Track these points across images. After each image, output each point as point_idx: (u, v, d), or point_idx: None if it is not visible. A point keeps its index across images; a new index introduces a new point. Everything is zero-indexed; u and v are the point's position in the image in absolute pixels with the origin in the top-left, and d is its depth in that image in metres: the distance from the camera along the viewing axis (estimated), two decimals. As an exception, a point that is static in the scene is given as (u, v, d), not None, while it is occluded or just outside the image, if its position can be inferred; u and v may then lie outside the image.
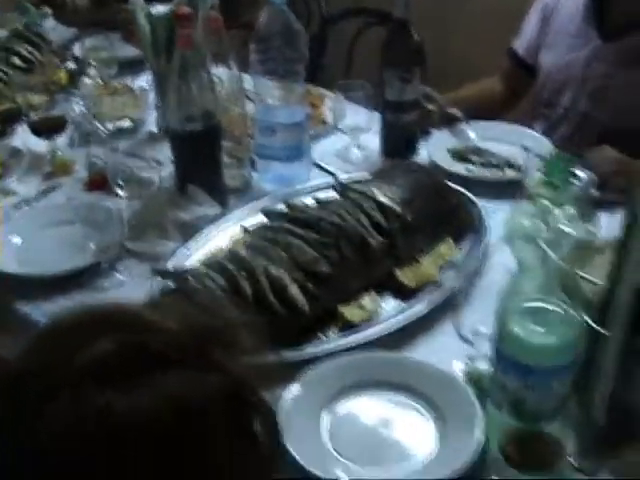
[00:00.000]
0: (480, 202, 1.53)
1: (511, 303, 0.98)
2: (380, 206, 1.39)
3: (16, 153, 1.73)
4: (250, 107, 1.63)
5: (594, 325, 1.01)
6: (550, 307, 0.98)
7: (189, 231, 1.47)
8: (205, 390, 0.56)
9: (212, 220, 1.49)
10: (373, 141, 1.75)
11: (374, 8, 2.44)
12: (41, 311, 1.33)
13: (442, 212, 1.43)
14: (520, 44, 1.96)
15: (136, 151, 1.67)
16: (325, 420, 1.07)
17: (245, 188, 1.66)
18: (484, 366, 1.09)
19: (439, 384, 1.11)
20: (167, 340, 0.57)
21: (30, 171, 1.69)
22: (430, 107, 1.75)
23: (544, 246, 0.88)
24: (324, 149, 1.79)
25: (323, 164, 1.72)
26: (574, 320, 0.98)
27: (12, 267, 1.39)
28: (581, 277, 1.13)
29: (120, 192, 1.55)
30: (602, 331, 1.00)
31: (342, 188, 1.44)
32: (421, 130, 1.74)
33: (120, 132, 1.77)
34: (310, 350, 1.18)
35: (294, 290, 1.24)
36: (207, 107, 1.45)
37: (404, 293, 1.33)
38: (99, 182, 1.61)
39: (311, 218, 1.34)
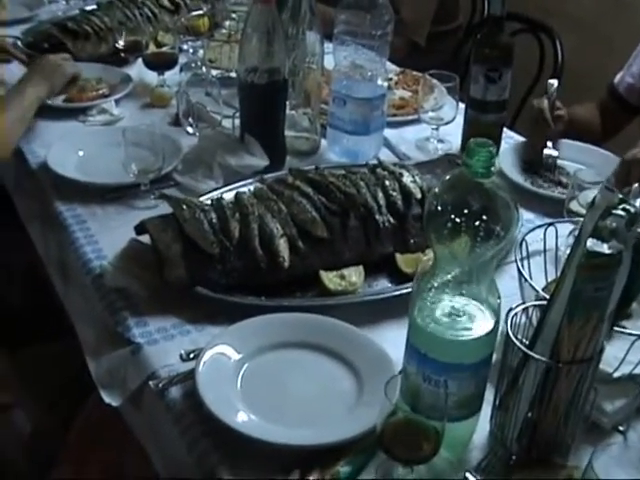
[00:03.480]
0: (529, 215, 1.48)
1: (427, 286, 0.96)
2: (403, 189, 1.38)
3: (126, 80, 1.90)
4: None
5: (516, 341, 0.96)
6: (466, 305, 0.95)
7: (232, 176, 1.55)
8: None
9: (258, 172, 1.55)
10: (455, 136, 1.74)
11: (524, 15, 2.38)
12: (73, 213, 1.47)
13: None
14: (620, 79, 1.84)
15: (226, 99, 1.77)
16: (245, 371, 1.10)
17: (311, 153, 1.70)
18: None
19: (366, 352, 1.12)
20: None
21: (131, 97, 1.85)
22: (560, 113, 1.66)
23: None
24: (407, 136, 1.80)
25: (397, 149, 1.73)
26: (488, 326, 0.95)
27: (67, 172, 1.54)
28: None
29: (189, 129, 1.67)
30: (524, 349, 0.96)
31: (374, 166, 1.45)
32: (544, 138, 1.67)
33: (224, 80, 1.87)
34: (261, 301, 1.22)
35: (281, 244, 1.27)
36: (275, 64, 1.51)
37: (399, 278, 1.31)
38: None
39: (323, 182, 1.36)
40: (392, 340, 1.12)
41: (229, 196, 1.38)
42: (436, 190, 0.91)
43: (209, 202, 1.35)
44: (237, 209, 1.30)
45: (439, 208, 0.90)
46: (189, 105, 1.67)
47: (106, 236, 1.39)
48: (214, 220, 1.28)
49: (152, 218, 1.30)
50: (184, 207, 1.29)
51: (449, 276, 0.94)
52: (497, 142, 1.67)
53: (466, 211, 0.89)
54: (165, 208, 1.38)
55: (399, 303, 1.19)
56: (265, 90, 1.53)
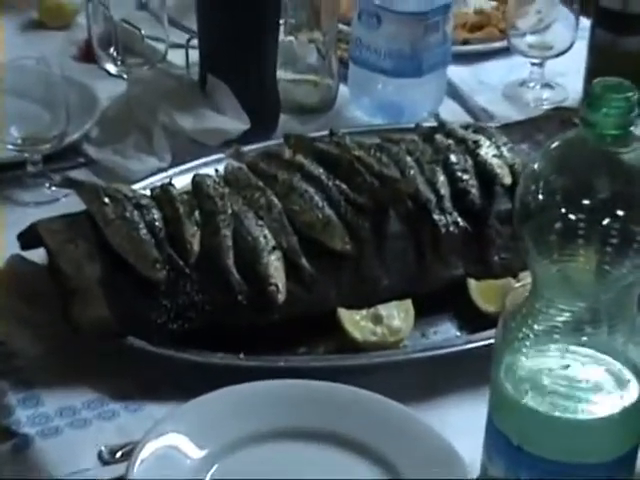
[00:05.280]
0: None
1: (523, 331, 0.99)
2: (481, 168, 1.44)
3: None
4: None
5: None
6: (591, 363, 0.99)
7: (188, 148, 1.62)
8: None
9: (231, 141, 1.61)
10: (573, 75, 1.79)
11: None
12: None
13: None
14: None
15: (174, 15, 1.83)
16: (213, 478, 1.13)
17: (323, 109, 1.78)
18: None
19: (418, 447, 1.16)
20: None
21: (5, 11, 1.91)
22: None
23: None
24: (489, 78, 1.88)
25: (470, 100, 1.79)
26: (630, 399, 0.98)
27: None
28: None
29: (110, 67, 1.73)
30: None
31: (431, 130, 1.51)
32: None
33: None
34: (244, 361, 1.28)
35: (272, 263, 1.32)
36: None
37: (474, 321, 1.37)
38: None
39: (344, 158, 1.41)
40: (462, 425, 1.17)
41: (183, 182, 1.44)
42: (536, 167, 0.95)
43: (148, 192, 1.40)
44: (197, 204, 1.36)
45: (541, 197, 0.94)
46: (109, 25, 1.72)
47: (-32, 251, 1.44)
48: (157, 223, 1.33)
49: (49, 220, 1.35)
50: (106, 201, 1.34)
51: (562, 315, 0.97)
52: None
53: (588, 202, 0.92)
54: (71, 204, 1.44)
55: (473, 363, 1.24)
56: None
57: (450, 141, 1.46)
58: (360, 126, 1.70)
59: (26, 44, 1.90)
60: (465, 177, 1.41)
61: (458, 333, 1.36)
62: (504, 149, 1.45)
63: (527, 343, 0.99)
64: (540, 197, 0.94)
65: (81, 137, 1.62)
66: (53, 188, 1.56)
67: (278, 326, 1.33)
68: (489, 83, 1.85)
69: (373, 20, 1.68)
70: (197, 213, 1.35)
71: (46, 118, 1.56)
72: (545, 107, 1.75)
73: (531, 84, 1.82)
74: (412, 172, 1.40)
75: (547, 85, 1.82)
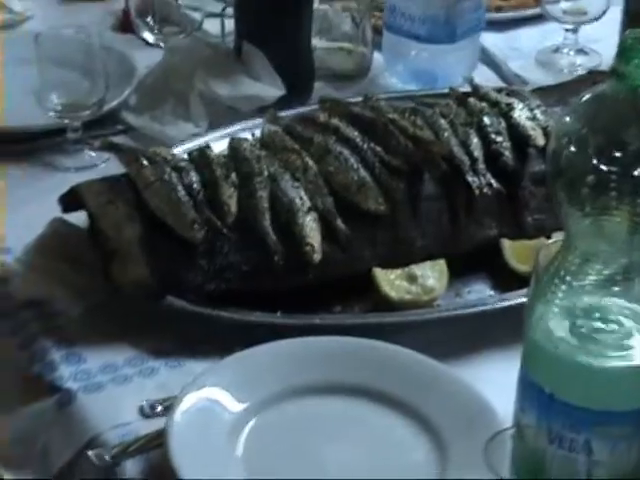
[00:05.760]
0: None
1: (555, 283, 1.00)
2: (515, 130, 1.45)
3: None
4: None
5: None
6: (623, 313, 1.00)
7: (223, 114, 1.64)
8: None
9: (266, 107, 1.63)
10: (607, 41, 1.79)
11: None
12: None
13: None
14: None
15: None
16: (251, 432, 1.15)
17: (358, 76, 1.80)
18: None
19: (452, 401, 1.18)
20: None
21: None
22: None
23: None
24: (523, 44, 1.89)
25: (504, 66, 1.80)
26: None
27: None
28: None
29: (147, 36, 1.76)
30: None
31: (465, 94, 1.53)
32: None
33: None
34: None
35: (308, 224, 1.34)
36: None
37: (507, 281, 1.38)
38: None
39: (379, 121, 1.43)
40: (495, 380, 1.18)
41: (220, 146, 1.46)
42: (567, 120, 0.96)
43: (186, 156, 1.43)
44: (234, 167, 1.38)
45: (573, 150, 0.95)
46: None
47: (11, 215, 1.48)
48: (195, 185, 1.35)
49: (90, 182, 1.38)
50: (144, 163, 1.36)
51: (594, 267, 0.97)
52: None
53: (620, 154, 0.93)
54: (111, 169, 1.47)
55: (506, 321, 1.26)
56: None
57: (483, 104, 1.48)
58: (394, 92, 1.72)
59: (66, 14, 1.95)
60: (498, 139, 1.43)
61: (491, 292, 1.38)
62: (537, 111, 1.47)
63: (559, 294, 0.99)
64: (572, 150, 0.94)
65: (120, 104, 1.66)
66: (93, 153, 1.58)
67: (314, 286, 1.34)
68: (523, 49, 1.87)
69: (406, -15, 1.69)
70: (234, 175, 1.36)
71: (85, 86, 1.59)
72: (579, 73, 1.75)
73: (565, 50, 1.83)
74: (446, 134, 1.42)
75: (581, 51, 1.83)
